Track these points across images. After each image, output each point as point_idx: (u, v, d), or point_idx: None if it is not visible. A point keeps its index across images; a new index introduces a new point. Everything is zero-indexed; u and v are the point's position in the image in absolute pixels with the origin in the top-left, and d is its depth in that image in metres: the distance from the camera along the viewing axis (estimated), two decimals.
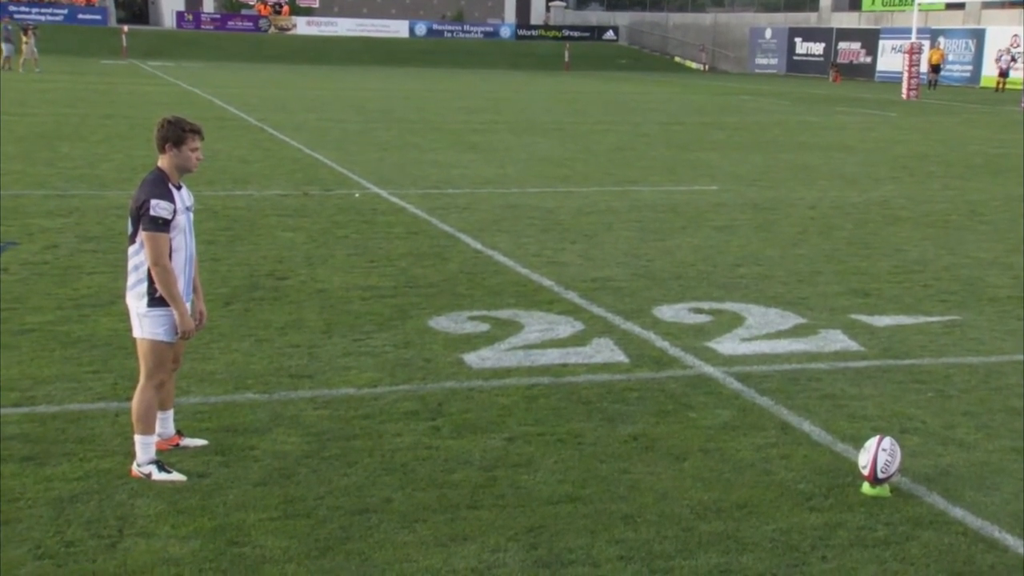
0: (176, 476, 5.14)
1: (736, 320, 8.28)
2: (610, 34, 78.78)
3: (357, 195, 14.35)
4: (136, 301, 5.11)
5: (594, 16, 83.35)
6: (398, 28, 75.99)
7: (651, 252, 10.89)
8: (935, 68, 46.94)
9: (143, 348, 5.17)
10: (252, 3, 76.59)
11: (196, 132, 5.11)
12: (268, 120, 24.56)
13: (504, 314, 8.32)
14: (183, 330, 5.11)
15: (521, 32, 78.22)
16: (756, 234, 12.03)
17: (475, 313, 8.34)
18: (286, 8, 76.11)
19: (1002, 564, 4.46)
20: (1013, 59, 44.58)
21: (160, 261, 4.96)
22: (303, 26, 74.45)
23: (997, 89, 44.18)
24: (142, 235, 4.99)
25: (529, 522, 4.77)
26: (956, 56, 50.99)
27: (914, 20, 42.11)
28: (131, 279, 5.13)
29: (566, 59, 62.49)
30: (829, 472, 5.37)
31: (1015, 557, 4.51)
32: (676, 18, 78.63)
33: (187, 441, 5.51)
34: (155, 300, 5.05)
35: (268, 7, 75.58)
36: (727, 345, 7.61)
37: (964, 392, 6.69)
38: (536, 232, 11.83)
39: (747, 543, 4.61)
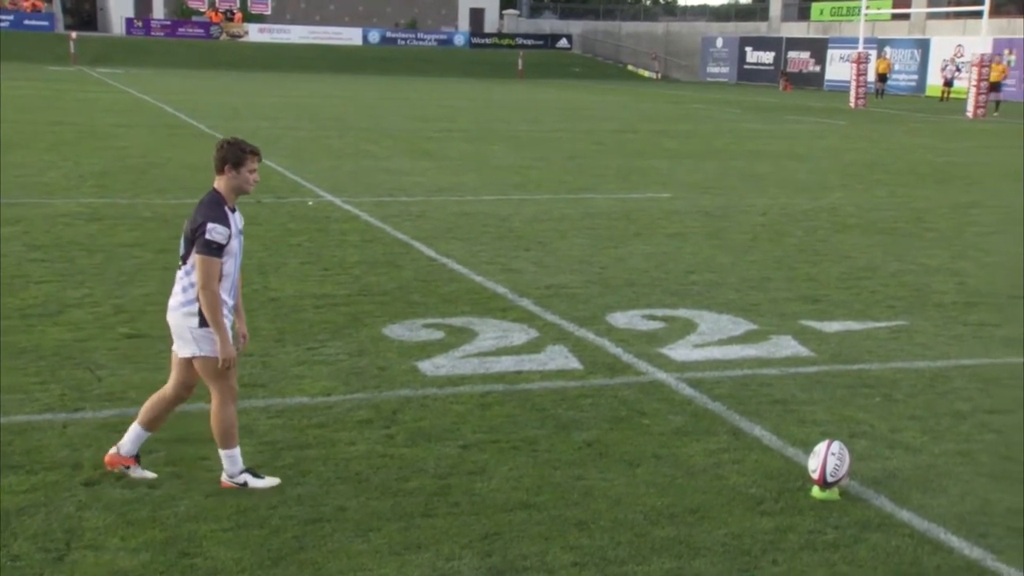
0: (269, 481, 5.13)
1: (689, 327, 8.35)
2: (563, 42, 79.15)
3: (311, 203, 14.28)
4: (187, 321, 4.99)
5: (547, 24, 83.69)
6: (351, 36, 75.78)
7: (605, 259, 10.95)
8: (882, 77, 47.72)
9: (205, 367, 5.04)
10: (203, 10, 75.94)
11: (255, 154, 5.03)
12: (220, 128, 24.35)
13: (458, 321, 8.32)
14: (224, 357, 4.98)
15: (475, 40, 78.35)
16: (708, 241, 12.14)
17: (429, 321, 8.33)
18: (238, 15, 75.58)
19: (948, 566, 4.54)
20: (957, 69, 45.44)
21: (209, 285, 4.87)
22: (255, 33, 73.95)
23: (942, 98, 44.99)
24: (195, 258, 4.88)
25: (483, 529, 4.77)
26: (902, 65, 51.86)
27: (861, 30, 42.78)
28: (179, 298, 5.01)
29: (520, 67, 62.71)
30: (780, 476, 5.44)
31: (960, 559, 4.60)
32: (629, 27, 79.20)
33: (138, 471, 5.27)
34: (205, 320, 4.95)
35: (220, 14, 74.98)
36: (680, 351, 7.67)
37: (911, 396, 6.81)
38: (490, 239, 11.85)
39: (699, 548, 4.65)
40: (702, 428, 6.15)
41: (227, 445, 5.15)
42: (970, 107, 35.59)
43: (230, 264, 4.99)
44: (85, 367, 6.99)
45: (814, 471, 5.20)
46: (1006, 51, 44.03)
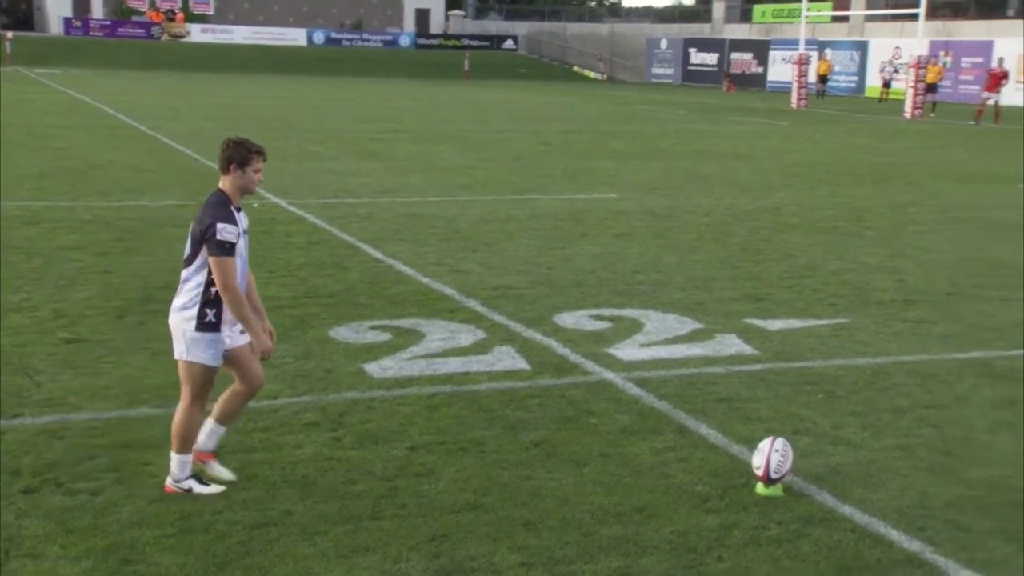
0: (214, 487, 5.09)
1: (635, 326, 8.41)
2: (509, 43, 79.26)
3: (255, 205, 14.14)
4: (185, 323, 4.95)
5: (493, 25, 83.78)
6: (296, 36, 75.20)
7: (551, 260, 10.99)
8: (823, 78, 48.45)
9: (189, 371, 5.01)
10: (144, 10, 74.87)
11: (260, 153, 5.01)
12: (162, 129, 24.04)
13: (405, 323, 8.30)
14: (262, 349, 5.02)
15: (421, 41, 78.15)
16: (654, 241, 12.23)
17: (376, 323, 8.30)
18: (180, 15, 74.62)
19: (888, 559, 4.62)
20: (895, 70, 46.27)
21: (230, 285, 4.85)
22: (197, 34, 73.08)
23: (881, 99, 45.77)
24: (209, 260, 4.86)
25: (431, 531, 4.77)
26: (842, 67, 52.68)
27: (802, 32, 43.37)
28: (182, 300, 4.98)
29: (466, 68, 62.69)
30: (725, 474, 5.50)
31: (900, 552, 4.68)
32: (574, 28, 79.54)
33: (214, 468, 5.25)
34: (204, 325, 4.93)
35: (161, 14, 74.00)
36: (626, 351, 7.72)
37: (852, 393, 6.92)
38: (437, 241, 11.83)
39: (646, 546, 4.68)
40: (648, 427, 6.19)
41: (182, 449, 5.10)
42: (908, 108, 36.24)
43: (236, 263, 4.97)
44: (24, 373, 6.86)
45: (758, 468, 5.27)
46: (942, 53, 44.89)
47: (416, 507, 5.01)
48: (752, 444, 5.60)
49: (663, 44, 68.49)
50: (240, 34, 73.84)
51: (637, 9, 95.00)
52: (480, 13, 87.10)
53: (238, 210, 5.01)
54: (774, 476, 5.22)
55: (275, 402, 6.42)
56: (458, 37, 79.19)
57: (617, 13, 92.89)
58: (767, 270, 10.74)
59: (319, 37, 75.69)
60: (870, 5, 53.80)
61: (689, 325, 8.47)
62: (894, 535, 4.82)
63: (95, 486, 5.14)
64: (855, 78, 52.52)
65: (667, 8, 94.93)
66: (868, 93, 50.27)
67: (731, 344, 7.97)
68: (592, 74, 71.36)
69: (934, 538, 4.80)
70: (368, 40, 77.18)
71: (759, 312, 8.96)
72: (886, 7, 52.14)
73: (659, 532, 4.81)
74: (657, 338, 8.09)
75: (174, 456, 5.11)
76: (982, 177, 18.89)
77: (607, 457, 5.70)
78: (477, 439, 5.92)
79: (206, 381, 5.06)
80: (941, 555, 4.64)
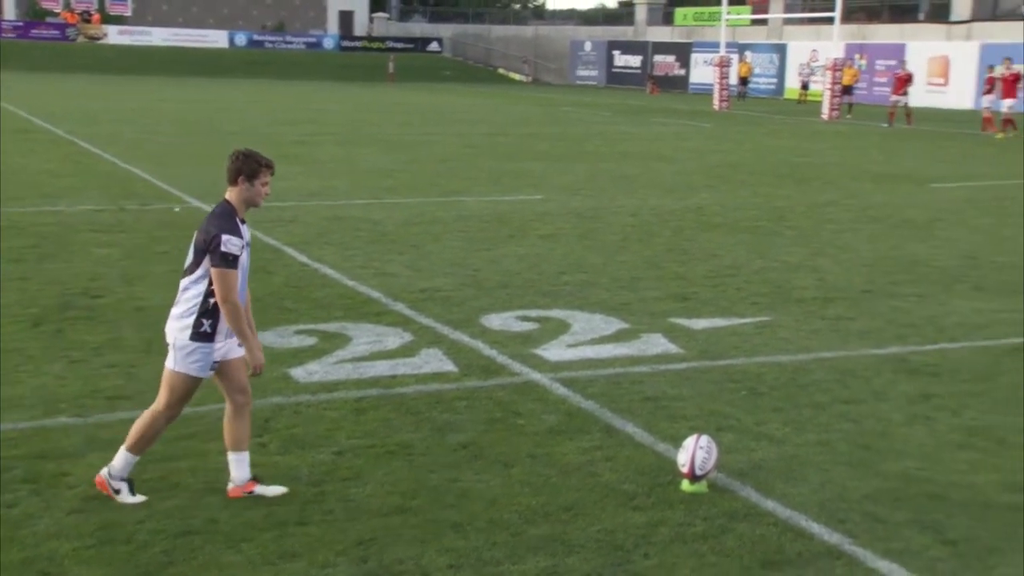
0: (139, 499, 4.99)
1: (562, 327, 8.45)
2: (434, 45, 79.14)
3: (177, 209, 13.91)
4: (179, 332, 4.92)
5: (417, 28, 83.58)
6: (217, 38, 74.14)
7: (478, 262, 10.99)
8: (743, 80, 49.26)
9: (172, 379, 4.98)
10: (58, 11, 73.14)
11: (269, 167, 4.96)
12: (78, 132, 23.51)
13: (332, 327, 8.23)
14: (254, 364, 4.97)
15: (344, 43, 77.63)
16: (580, 242, 12.31)
17: (302, 327, 8.22)
18: (96, 17, 73.06)
19: (809, 552, 4.71)
20: (812, 72, 47.23)
21: (230, 297, 4.83)
22: (115, 35, 71.64)
23: (799, 101, 46.68)
24: (212, 271, 4.83)
25: (359, 535, 4.74)
26: (762, 69, 53.61)
27: (722, 35, 44.02)
28: (180, 308, 4.95)
29: (391, 70, 62.40)
30: (651, 472, 5.56)
31: (821, 544, 4.78)
32: (498, 30, 79.69)
33: (262, 489, 5.13)
34: (198, 334, 4.89)
35: (76, 15, 72.34)
36: (553, 351, 7.76)
37: (774, 389, 7.04)
38: (363, 244, 11.77)
39: (574, 544, 4.71)
40: (576, 427, 6.23)
41: (134, 449, 5.05)
42: (825, 109, 37.01)
43: (239, 276, 4.93)
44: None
45: (683, 465, 5.34)
46: (857, 56, 45.97)
47: (343, 512, 4.98)
48: (677, 442, 5.67)
49: (587, 46, 68.98)
50: (159, 36, 72.60)
51: (561, 11, 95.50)
52: (404, 15, 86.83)
53: (242, 223, 4.98)
54: (699, 473, 5.30)
55: (199, 409, 6.31)
56: (382, 39, 78.82)
57: (541, 15, 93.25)
58: (691, 270, 10.88)
59: (241, 39, 74.73)
60: (788, 9, 54.84)
61: (615, 325, 8.55)
62: (815, 528, 4.92)
63: (11, 498, 5.01)
64: (775, 80, 53.49)
65: (591, 11, 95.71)
66: (787, 95, 51.24)
67: (656, 343, 8.06)
68: (517, 76, 71.57)
69: (853, 530, 4.91)
70: (291, 42, 76.42)
71: (684, 311, 9.07)
72: (803, 11, 53.22)
73: (586, 531, 4.85)
74: (583, 338, 8.14)
75: (123, 451, 5.05)
76: (896, 177, 19.38)
77: (534, 457, 5.72)
78: (405, 442, 5.90)
79: (186, 392, 5.01)
80: (859, 546, 4.75)
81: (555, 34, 75.52)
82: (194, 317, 4.90)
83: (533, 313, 8.87)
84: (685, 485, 5.32)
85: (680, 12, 64.82)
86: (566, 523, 4.92)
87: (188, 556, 4.51)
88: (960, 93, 42.57)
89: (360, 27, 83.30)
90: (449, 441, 5.93)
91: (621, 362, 7.56)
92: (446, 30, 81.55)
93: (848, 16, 44.02)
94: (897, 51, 45.39)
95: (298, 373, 7.07)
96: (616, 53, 66.05)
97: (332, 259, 10.89)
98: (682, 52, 60.71)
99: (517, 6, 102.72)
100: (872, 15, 53.60)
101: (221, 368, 5.03)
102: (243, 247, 4.89)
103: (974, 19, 46.81)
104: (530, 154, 22.48)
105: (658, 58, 62.33)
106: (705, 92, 50.09)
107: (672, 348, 7.95)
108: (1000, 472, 5.65)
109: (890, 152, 24.70)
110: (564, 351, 7.78)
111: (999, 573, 4.56)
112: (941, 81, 43.96)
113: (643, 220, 14.00)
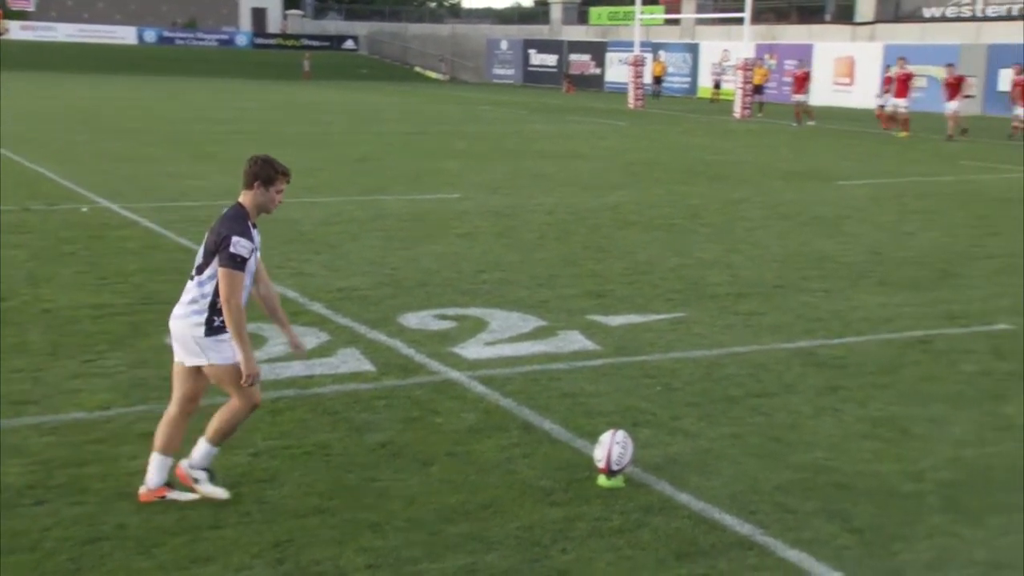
0: (219, 490, 5.04)
1: (480, 325, 8.47)
2: (350, 43, 78.52)
3: (85, 209, 13.59)
4: (193, 329, 4.92)
5: (333, 25, 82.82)
6: (125, 35, 72.55)
7: (396, 261, 10.96)
8: (658, 79, 49.89)
9: (222, 375, 4.98)
10: None
11: (286, 175, 5.03)
12: None
13: (247, 328, 8.11)
14: (248, 373, 4.92)
15: (258, 40, 76.58)
16: (498, 240, 12.35)
17: None
18: None
19: (722, 543, 4.81)
20: (724, 72, 48.04)
21: (232, 299, 4.84)
22: (17, 31, 69.56)
23: (712, 100, 47.43)
24: (219, 271, 4.84)
25: (275, 537, 4.70)
26: (676, 68, 54.32)
27: (636, 34, 44.50)
28: (186, 308, 4.95)
29: (306, 68, 61.74)
30: (568, 467, 5.61)
31: (733, 535, 4.88)
32: (415, 28, 79.43)
33: (175, 494, 5.04)
34: (212, 329, 4.92)
35: None
36: (471, 350, 7.78)
37: (689, 384, 7.16)
38: (280, 243, 11.63)
39: (492, 542, 4.74)
40: (494, 424, 6.26)
41: (216, 441, 5.05)
42: (737, 108, 37.68)
43: (246, 280, 4.94)
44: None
45: (600, 460, 5.40)
46: (767, 55, 46.85)
47: (260, 514, 4.93)
48: (595, 438, 5.72)
49: (503, 45, 69.12)
50: (64, 32, 70.76)
51: (477, 10, 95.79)
52: (319, 13, 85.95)
53: (254, 227, 4.98)
54: (615, 468, 5.36)
55: (108, 412, 6.20)
56: (297, 37, 77.93)
57: (457, 14, 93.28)
58: (608, 267, 10.99)
59: (150, 36, 73.24)
60: (700, 9, 55.68)
61: (533, 323, 8.60)
62: (727, 519, 5.02)
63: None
64: (688, 79, 54.24)
65: (507, 9, 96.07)
66: (700, 94, 52.00)
67: (574, 340, 8.13)
68: (434, 75, 71.41)
69: (764, 520, 5.02)
70: (203, 39, 75.13)
71: (600, 308, 9.16)
72: (715, 11, 54.09)
73: (504, 527, 4.88)
74: (502, 336, 8.18)
75: (203, 443, 5.06)
76: (805, 175, 19.82)
77: (453, 456, 5.73)
78: (322, 442, 5.86)
79: (237, 376, 4.97)
80: (770, 536, 4.86)
81: (472, 33, 75.53)
82: (205, 315, 4.92)
83: (451, 312, 8.88)
84: (602, 480, 5.38)
85: (595, 11, 65.35)
86: (484, 520, 4.95)
87: (96, 563, 4.42)
88: (865, 93, 43.61)
89: (274, 24, 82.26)
90: (367, 441, 5.91)
91: (539, 359, 7.61)
92: (362, 28, 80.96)
93: (758, 17, 44.85)
94: (805, 51, 46.43)
95: None
96: (532, 52, 66.30)
97: None
98: (597, 51, 61.19)
99: (433, 4, 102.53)
100: (781, 16, 54.72)
101: (198, 368, 5.01)
102: (253, 250, 4.93)
103: (877, 20, 48.11)
104: (448, 153, 22.46)
105: (574, 57, 62.74)
106: (620, 91, 50.56)
107: (589, 345, 8.03)
108: (903, 461, 5.84)
109: (799, 150, 25.25)
110: (482, 349, 7.80)
111: (902, 559, 4.71)
112: (847, 81, 45.06)
113: (560, 218, 14.10)
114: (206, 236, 4.99)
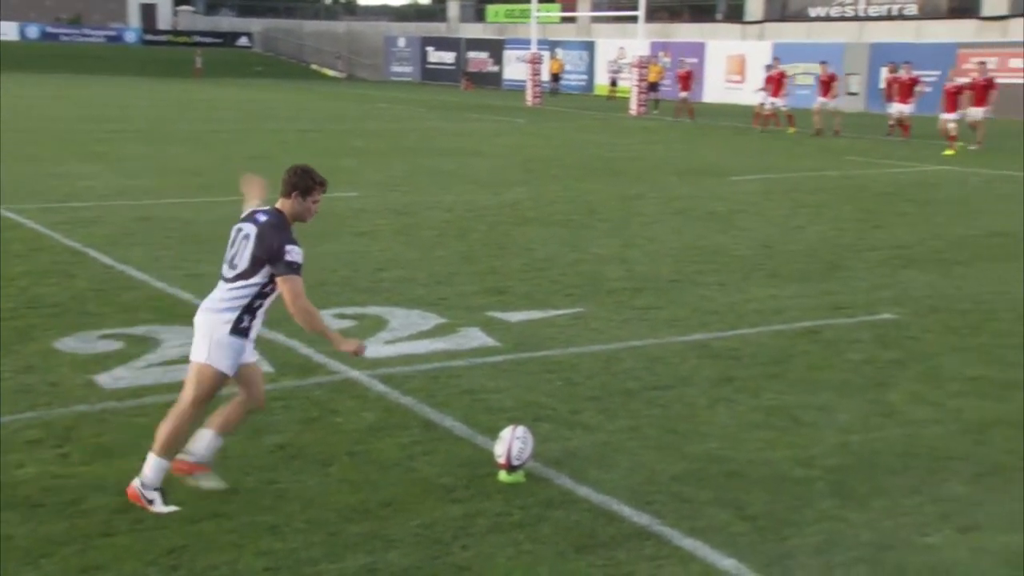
0: (173, 508, 4.84)
1: (379, 323, 8.43)
2: (244, 40, 77.15)
3: None
4: (220, 324, 4.91)
5: (226, 22, 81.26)
6: (7, 30, 69.96)
7: None
8: (555, 77, 50.25)
9: (202, 373, 4.94)
10: None
11: (323, 185, 5.12)
12: None
13: (140, 331, 7.95)
14: (355, 349, 5.06)
15: (148, 37, 74.72)
16: (397, 238, 12.30)
17: (107, 331, 7.90)
18: None
19: (620, 534, 4.88)
20: (620, 69, 48.62)
21: (299, 301, 4.91)
22: None
23: (609, 97, 47.95)
24: (279, 280, 4.90)
25: (169, 544, 4.61)
26: (572, 66, 54.78)
27: (533, 32, 44.73)
28: (222, 304, 4.94)
29: (198, 65, 60.47)
30: (470, 464, 5.63)
31: (631, 526, 4.96)
32: (310, 26, 78.44)
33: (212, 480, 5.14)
34: (238, 330, 4.93)
35: None
36: (371, 348, 7.68)
37: (588, 378, 7.25)
38: (174, 244, 11.39)
39: (393, 540, 4.73)
40: (394, 423, 6.24)
41: (164, 453, 4.94)
42: (633, 105, 38.21)
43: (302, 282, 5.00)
44: None
45: (500, 456, 5.43)
46: (661, 53, 47.53)
47: (153, 521, 4.83)
48: (495, 434, 5.75)
49: (401, 42, 68.75)
50: None
51: (373, 7, 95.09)
52: (211, 9, 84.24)
53: None
54: (516, 463, 5.40)
55: None
56: (188, 33, 76.24)
57: (353, 11, 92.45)
58: (507, 264, 11.04)
59: (33, 31, 70.81)
60: (595, 7, 56.28)
61: (433, 320, 8.59)
62: (626, 511, 5.10)
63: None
64: (585, 76, 54.75)
65: (404, 7, 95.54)
66: (597, 91, 52.52)
67: (474, 337, 8.15)
68: (331, 72, 70.64)
69: (660, 511, 5.12)
70: (89, 36, 72.97)
71: (500, 305, 9.20)
72: (609, 9, 54.71)
73: (405, 526, 4.87)
74: (401, 334, 8.15)
75: (151, 458, 4.92)
76: (699, 171, 20.20)
77: (353, 455, 5.70)
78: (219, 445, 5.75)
79: (212, 388, 4.96)
80: (667, 526, 4.96)
81: (369, 30, 74.93)
82: (237, 313, 4.92)
83: (350, 311, 8.82)
84: (503, 476, 5.41)
85: (492, 9, 65.47)
86: (385, 519, 4.93)
87: None
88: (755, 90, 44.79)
89: (164, 20, 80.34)
90: (265, 442, 5.84)
91: (439, 357, 7.61)
92: (256, 25, 79.62)
93: (652, 15, 45.51)
94: (697, 49, 47.30)
95: (104, 379, 6.80)
96: (430, 49, 66.10)
97: (139, 260, 10.50)
98: (495, 49, 61.32)
99: (329, 1, 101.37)
100: (674, 15, 55.65)
101: (242, 371, 5.04)
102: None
103: (766, 20, 49.30)
104: (345, 151, 22.26)
105: (472, 54, 62.76)
106: (518, 88, 50.80)
107: (489, 341, 8.06)
108: (794, 448, 6.01)
109: (693, 146, 25.73)
110: (382, 348, 7.77)
111: (792, 544, 4.86)
112: (738, 78, 46.01)
113: (459, 215, 14.11)
114: (251, 243, 4.91)
